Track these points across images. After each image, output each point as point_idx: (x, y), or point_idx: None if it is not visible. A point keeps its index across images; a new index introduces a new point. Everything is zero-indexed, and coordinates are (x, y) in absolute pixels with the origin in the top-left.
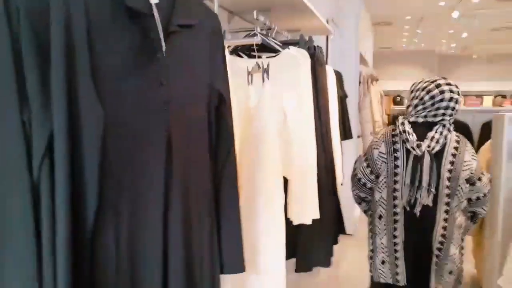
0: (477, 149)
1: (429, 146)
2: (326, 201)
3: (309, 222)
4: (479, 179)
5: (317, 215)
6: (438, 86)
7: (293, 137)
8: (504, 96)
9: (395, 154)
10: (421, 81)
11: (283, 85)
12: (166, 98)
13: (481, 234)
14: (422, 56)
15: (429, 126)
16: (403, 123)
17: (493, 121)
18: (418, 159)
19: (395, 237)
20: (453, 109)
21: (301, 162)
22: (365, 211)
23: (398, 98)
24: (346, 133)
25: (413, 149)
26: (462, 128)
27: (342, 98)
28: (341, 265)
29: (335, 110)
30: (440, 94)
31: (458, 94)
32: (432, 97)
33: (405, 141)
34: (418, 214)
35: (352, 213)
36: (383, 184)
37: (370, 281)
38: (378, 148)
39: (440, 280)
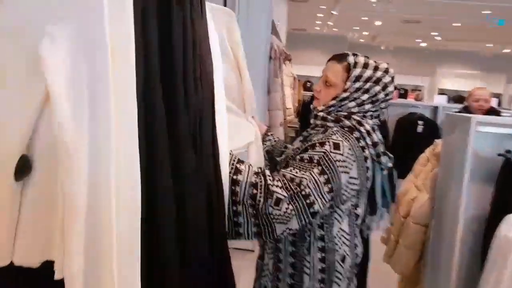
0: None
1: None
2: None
3: None
4: None
5: None
6: (393, 79)
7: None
8: (406, 90)
9: (367, 174)
10: (367, 65)
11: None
12: None
13: (417, 274)
14: (334, 41)
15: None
16: (369, 132)
17: (446, 124)
18: (383, 176)
19: (355, 274)
20: None
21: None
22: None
23: (309, 84)
24: None
25: (386, 165)
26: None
27: None
28: None
29: (222, 92)
30: (393, 90)
31: None
32: (387, 94)
33: (380, 154)
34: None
35: None
36: (343, 212)
37: None
38: (348, 172)
39: None
